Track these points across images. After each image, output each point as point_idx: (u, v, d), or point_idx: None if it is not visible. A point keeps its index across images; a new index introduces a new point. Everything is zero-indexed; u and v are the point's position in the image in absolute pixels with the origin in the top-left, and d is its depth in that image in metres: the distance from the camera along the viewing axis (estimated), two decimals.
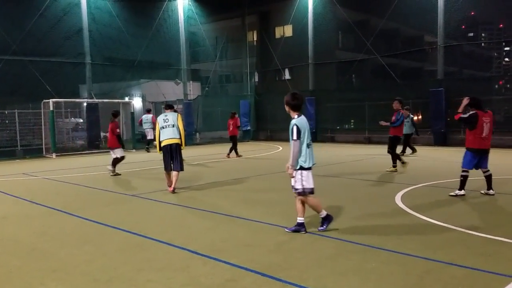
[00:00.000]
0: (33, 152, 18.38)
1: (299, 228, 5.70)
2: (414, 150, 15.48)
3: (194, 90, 25.93)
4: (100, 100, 20.76)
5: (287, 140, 16.31)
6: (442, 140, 18.79)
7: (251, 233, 5.80)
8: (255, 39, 30.78)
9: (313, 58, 24.66)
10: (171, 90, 24.25)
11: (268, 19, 29.49)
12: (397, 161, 11.36)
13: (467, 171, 7.81)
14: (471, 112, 7.73)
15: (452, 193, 7.86)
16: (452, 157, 14.67)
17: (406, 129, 14.79)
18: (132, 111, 21.20)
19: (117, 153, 11.73)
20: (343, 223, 6.23)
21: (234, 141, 15.91)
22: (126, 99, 23.35)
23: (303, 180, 5.52)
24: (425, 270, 4.29)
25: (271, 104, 25.73)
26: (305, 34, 24.61)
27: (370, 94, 22.72)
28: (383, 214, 6.77)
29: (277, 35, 29.59)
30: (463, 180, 7.79)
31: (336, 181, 10.11)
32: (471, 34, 28.12)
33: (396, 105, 11.40)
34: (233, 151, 15.80)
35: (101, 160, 16.06)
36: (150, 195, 8.54)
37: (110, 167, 11.74)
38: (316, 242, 5.32)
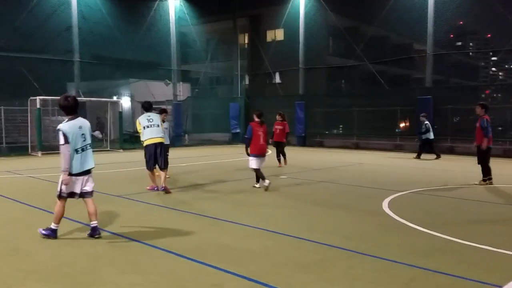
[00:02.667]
0: (19, 150, 18.11)
1: (51, 233, 5.55)
2: (438, 156, 16.17)
3: (183, 91, 25.81)
4: (88, 99, 20.54)
5: None
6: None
7: (238, 237, 5.76)
8: (246, 42, 30.79)
9: (304, 62, 24.74)
10: (160, 90, 24.11)
11: (260, 23, 29.52)
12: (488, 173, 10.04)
13: None
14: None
15: None
16: (442, 165, 14.82)
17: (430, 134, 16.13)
18: (121, 110, 21.02)
19: None
20: (329, 228, 6.23)
21: (279, 148, 14.02)
22: (115, 98, 23.14)
23: (62, 184, 5.43)
24: (411, 277, 4.29)
25: (261, 107, 25.53)
26: (296, 38, 24.68)
27: (359, 100, 22.86)
28: (370, 220, 6.78)
29: (268, 39, 29.63)
30: None
31: (323, 186, 10.12)
32: (459, 43, 28.47)
33: (478, 110, 9.97)
34: (283, 157, 14.01)
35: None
36: (136, 196, 8.44)
37: None
38: (302, 248, 5.30)
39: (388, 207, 7.59)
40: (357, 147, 22.05)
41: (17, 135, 19.21)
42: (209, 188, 9.79)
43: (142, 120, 8.95)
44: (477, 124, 9.92)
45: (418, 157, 16.38)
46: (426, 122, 16.29)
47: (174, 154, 18.09)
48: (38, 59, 19.46)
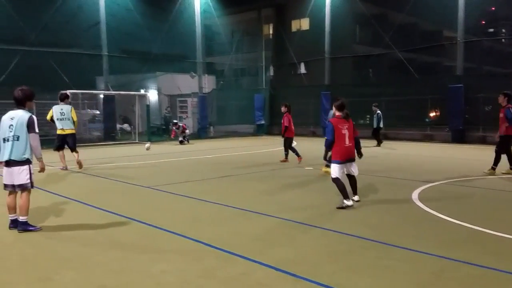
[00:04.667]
0: (50, 142, 18.62)
1: (27, 227, 5.59)
2: (379, 143, 17.30)
3: (208, 83, 25.95)
4: (116, 92, 20.92)
5: (301, 134, 16.19)
6: (460, 138, 18.48)
7: (264, 227, 5.79)
8: (271, 32, 30.59)
9: (330, 52, 24.42)
10: (186, 83, 24.32)
11: (285, 12, 29.25)
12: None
13: None
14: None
15: None
16: (468, 155, 14.44)
17: (375, 123, 17.19)
18: (148, 103, 21.33)
19: None
20: (356, 219, 6.19)
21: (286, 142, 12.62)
22: (142, 91, 23.48)
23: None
24: (441, 268, 4.23)
25: (286, 98, 25.47)
26: (322, 27, 24.36)
27: (387, 89, 22.42)
28: (398, 210, 6.70)
29: (293, 29, 29.35)
30: None
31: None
32: (491, 30, 27.45)
33: (501, 99, 9.91)
34: (294, 152, 12.41)
35: (117, 152, 16.24)
36: (164, 187, 8.59)
37: None
38: (328, 238, 5.29)
39: (418, 197, 7.47)
40: (385, 137, 21.67)
41: (48, 128, 19.73)
42: (236, 179, 9.86)
43: (56, 112, 11.04)
44: (501, 114, 9.75)
45: (379, 144, 17.38)
46: (378, 111, 17.28)
47: (199, 146, 18.30)
48: (67, 53, 19.89)
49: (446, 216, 6.17)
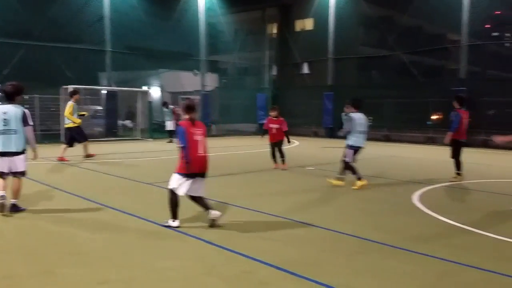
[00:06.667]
0: (52, 137, 18.64)
1: (18, 208, 6.18)
2: None
3: (211, 81, 25.93)
4: (119, 88, 20.91)
5: (304, 134, 16.26)
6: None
7: (268, 226, 5.79)
8: (274, 32, 30.56)
9: (333, 52, 24.40)
10: (189, 80, 24.33)
11: (289, 12, 29.19)
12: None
13: None
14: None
15: None
16: (471, 158, 14.41)
17: None
18: (150, 100, 21.31)
19: None
20: (360, 220, 6.18)
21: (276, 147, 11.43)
22: (144, 88, 23.48)
23: None
24: (443, 271, 4.23)
25: (289, 98, 25.59)
26: (326, 28, 24.34)
27: (390, 91, 22.39)
28: (401, 213, 6.69)
29: (297, 28, 29.29)
30: None
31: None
32: (496, 34, 27.40)
33: (454, 103, 9.92)
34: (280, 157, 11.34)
35: (119, 148, 16.24)
36: (165, 184, 8.56)
37: None
38: (333, 239, 5.29)
39: (419, 200, 7.46)
40: (388, 139, 21.66)
41: (51, 123, 19.74)
42: (238, 177, 9.86)
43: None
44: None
45: None
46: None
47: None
48: (71, 48, 19.89)
49: (448, 219, 6.16)
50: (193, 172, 5.45)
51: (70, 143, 12.11)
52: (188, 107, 5.60)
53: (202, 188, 5.64)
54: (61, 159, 11.89)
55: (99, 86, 22.05)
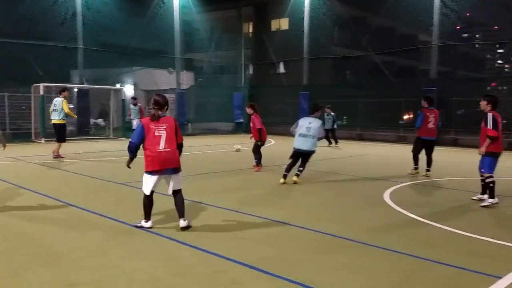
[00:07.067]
0: (22, 136, 18.15)
1: None
2: (330, 143, 17.60)
3: (187, 80, 25.72)
4: (91, 86, 20.52)
5: (280, 133, 16.26)
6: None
7: (241, 225, 5.78)
8: (250, 31, 30.58)
9: (308, 52, 24.58)
10: (164, 78, 24.04)
11: (264, 11, 29.28)
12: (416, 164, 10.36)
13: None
14: (490, 117, 7.02)
15: (485, 203, 7.06)
16: (440, 157, 14.76)
17: (329, 124, 17.21)
18: (123, 98, 20.98)
19: None
20: (332, 218, 6.25)
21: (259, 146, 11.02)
22: (118, 86, 23.11)
23: None
24: (412, 268, 4.31)
25: (265, 97, 25.64)
26: (301, 28, 24.50)
27: (364, 91, 22.74)
28: (372, 210, 6.80)
29: (273, 28, 29.42)
30: (494, 186, 7.04)
31: (326, 177, 10.13)
32: (466, 35, 28.15)
33: (422, 102, 10.31)
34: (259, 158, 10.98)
35: (91, 147, 15.94)
36: (138, 184, 8.46)
37: None
38: (305, 236, 5.32)
39: (390, 197, 7.60)
40: (361, 138, 21.99)
41: (21, 122, 19.23)
42: (212, 177, 9.82)
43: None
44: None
45: (336, 143, 17.79)
46: (332, 113, 17.58)
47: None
48: (42, 46, 19.38)
49: (418, 216, 6.30)
50: (155, 169, 5.30)
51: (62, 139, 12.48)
52: (154, 102, 5.35)
53: (177, 184, 5.45)
54: (58, 156, 12.35)
55: (71, 84, 21.58)
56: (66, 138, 12.95)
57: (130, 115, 18.43)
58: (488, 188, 7.09)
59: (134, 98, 18.94)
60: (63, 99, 12.36)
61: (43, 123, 17.79)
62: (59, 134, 12.39)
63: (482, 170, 7.19)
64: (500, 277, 4.04)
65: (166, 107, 5.45)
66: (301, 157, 9.05)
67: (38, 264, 4.24)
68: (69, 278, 3.93)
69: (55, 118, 12.39)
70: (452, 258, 4.57)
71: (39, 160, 12.06)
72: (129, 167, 5.60)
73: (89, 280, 3.89)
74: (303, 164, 9.08)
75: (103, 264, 4.29)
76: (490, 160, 7.08)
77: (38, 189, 7.81)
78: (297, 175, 8.93)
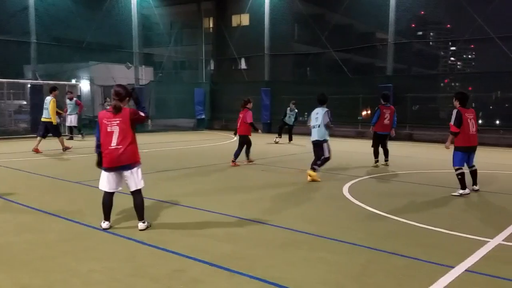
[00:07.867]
0: None
1: None
2: (291, 140, 18.12)
3: (146, 75, 25.20)
4: (45, 82, 19.72)
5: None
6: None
7: (200, 223, 5.73)
8: (211, 26, 30.32)
9: (269, 49, 24.66)
10: (121, 73, 23.41)
11: (225, 7, 29.10)
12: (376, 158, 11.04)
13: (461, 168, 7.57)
14: (454, 114, 7.43)
15: (456, 193, 7.51)
16: (396, 151, 15.23)
17: (291, 120, 17.91)
18: (79, 94, 20.30)
19: None
20: (291, 213, 6.30)
21: (242, 142, 11.49)
22: (73, 81, 22.34)
23: None
24: (368, 259, 4.42)
25: (226, 93, 25.55)
26: (262, 24, 24.52)
27: (323, 87, 22.98)
28: (331, 204, 6.91)
29: (234, 24, 29.29)
30: (462, 178, 7.51)
31: (285, 172, 10.22)
32: (420, 33, 29.15)
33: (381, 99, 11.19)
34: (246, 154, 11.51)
35: (45, 145, 15.32)
36: (93, 182, 8.23)
37: None
38: (266, 232, 5.34)
39: (348, 191, 7.75)
40: None
41: None
42: (171, 174, 9.68)
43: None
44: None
45: (290, 140, 18.08)
46: (296, 110, 18.21)
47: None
48: None
49: (375, 209, 6.46)
50: (106, 166, 5.12)
51: (44, 135, 12.95)
52: (115, 93, 5.06)
53: (133, 184, 5.23)
54: (66, 148, 13.22)
55: (24, 79, 20.69)
56: (15, 136, 13.06)
57: (66, 111, 17.31)
58: (458, 179, 7.54)
59: (70, 92, 18.02)
60: (52, 98, 12.91)
61: None
62: (54, 131, 13.00)
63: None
64: (452, 267, 4.20)
65: (127, 98, 5.22)
66: (316, 149, 9.19)
67: None
68: (20, 281, 3.76)
69: (45, 116, 12.87)
70: (407, 249, 4.71)
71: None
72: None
73: (41, 283, 3.74)
74: (319, 158, 9.10)
75: (56, 266, 4.13)
76: (456, 154, 7.59)
77: None
78: (314, 169, 8.95)
